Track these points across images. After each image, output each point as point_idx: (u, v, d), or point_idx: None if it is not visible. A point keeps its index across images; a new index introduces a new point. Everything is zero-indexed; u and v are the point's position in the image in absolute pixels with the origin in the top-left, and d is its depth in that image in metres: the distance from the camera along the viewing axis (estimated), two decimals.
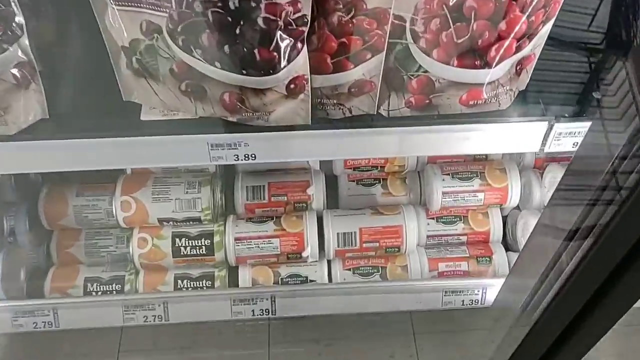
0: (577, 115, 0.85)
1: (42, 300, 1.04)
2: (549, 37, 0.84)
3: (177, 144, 0.83)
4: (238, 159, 0.85)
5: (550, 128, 0.85)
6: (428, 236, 1.20)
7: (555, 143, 0.86)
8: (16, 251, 1.11)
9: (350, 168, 1.23)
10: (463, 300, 1.08)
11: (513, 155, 1.25)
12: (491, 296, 1.06)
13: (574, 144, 0.86)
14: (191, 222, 1.08)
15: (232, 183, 1.15)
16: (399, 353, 1.46)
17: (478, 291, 1.06)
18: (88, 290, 1.10)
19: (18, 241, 1.09)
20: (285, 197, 1.14)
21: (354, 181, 1.24)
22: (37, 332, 1.09)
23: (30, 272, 1.13)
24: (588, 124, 0.84)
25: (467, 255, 1.18)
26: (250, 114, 0.80)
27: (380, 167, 1.23)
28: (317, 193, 1.15)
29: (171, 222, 1.08)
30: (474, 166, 1.18)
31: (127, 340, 1.43)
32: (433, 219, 1.21)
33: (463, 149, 0.88)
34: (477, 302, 1.08)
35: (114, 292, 1.09)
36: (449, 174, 1.17)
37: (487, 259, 1.17)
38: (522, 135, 0.86)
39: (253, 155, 0.84)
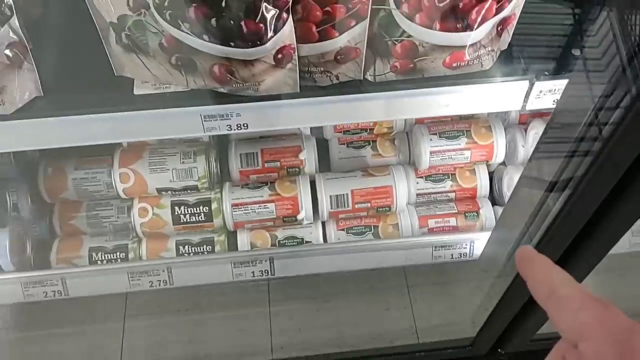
0: (557, 73, 0.86)
1: (51, 270, 1.05)
2: None
3: (171, 117, 0.82)
4: (231, 129, 0.85)
5: (532, 86, 0.85)
6: (417, 194, 1.21)
7: (537, 101, 0.87)
8: (20, 225, 1.12)
9: (340, 132, 1.23)
10: (452, 254, 1.10)
11: (498, 113, 1.25)
12: (479, 249, 1.08)
13: (554, 101, 0.87)
14: (189, 191, 1.09)
15: (226, 151, 1.15)
16: (393, 306, 1.49)
17: (466, 245, 1.08)
18: (93, 259, 1.12)
19: (22, 216, 1.10)
20: (279, 163, 1.14)
21: (344, 144, 1.25)
22: (46, 300, 1.11)
23: (36, 245, 1.14)
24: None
25: (456, 211, 1.20)
26: (241, 84, 0.80)
27: (370, 129, 1.24)
28: (308, 158, 1.15)
29: (170, 192, 1.08)
30: (460, 125, 1.19)
31: (133, 304, 1.45)
32: (422, 177, 1.22)
33: (448, 111, 0.88)
34: (466, 255, 1.10)
35: (119, 260, 1.11)
36: (436, 134, 1.18)
37: (475, 214, 1.19)
38: (504, 95, 0.86)
39: (245, 125, 0.84)
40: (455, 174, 1.21)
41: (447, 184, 1.21)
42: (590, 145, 0.62)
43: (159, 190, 1.08)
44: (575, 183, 0.68)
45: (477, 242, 1.08)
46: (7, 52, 0.76)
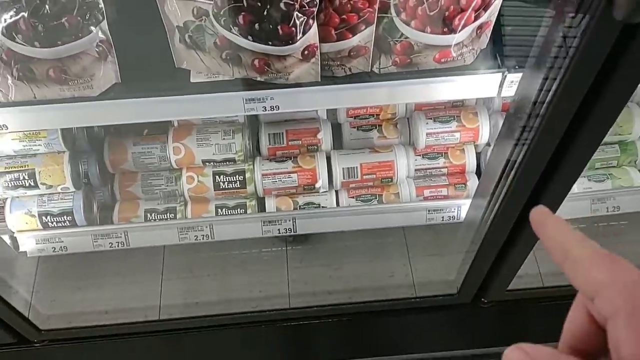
0: (523, 67, 1.04)
1: (116, 225, 1.26)
2: None
3: (219, 100, 1.02)
4: (265, 110, 1.04)
5: (504, 77, 1.04)
6: (415, 169, 1.40)
7: (508, 89, 1.05)
8: (90, 190, 1.33)
9: (352, 117, 1.42)
10: (443, 217, 1.29)
11: (485, 101, 1.45)
12: (464, 212, 1.28)
13: None
14: (227, 162, 1.29)
15: (257, 131, 1.35)
16: (397, 272, 1.67)
17: (454, 209, 1.28)
18: (148, 219, 1.32)
19: (91, 182, 1.31)
20: (300, 141, 1.34)
21: (355, 127, 1.44)
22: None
23: (101, 206, 1.36)
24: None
25: (447, 183, 1.39)
26: (274, 74, 1.00)
27: (376, 115, 1.43)
28: (325, 137, 1.35)
29: (212, 163, 1.29)
30: (451, 111, 1.38)
31: (168, 268, 1.64)
32: (420, 155, 1.41)
33: (438, 96, 1.08)
34: (454, 217, 1.29)
35: (169, 219, 1.32)
36: (431, 118, 1.37)
37: (463, 185, 1.39)
38: (482, 84, 1.05)
39: (277, 107, 1.04)
40: (447, 152, 1.41)
41: (441, 161, 1.41)
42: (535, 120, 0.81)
43: (204, 162, 1.28)
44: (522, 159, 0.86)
45: (463, 207, 1.28)
46: (97, 48, 0.97)
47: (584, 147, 0.79)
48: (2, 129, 1.03)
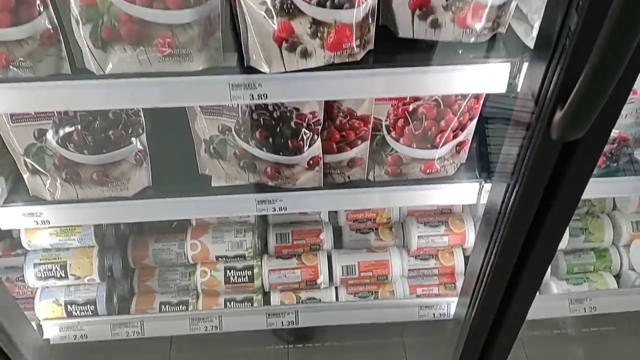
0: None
1: (132, 315, 1.34)
2: (491, 118, 1.18)
3: (235, 200, 1.14)
4: (275, 210, 1.17)
5: (481, 187, 1.18)
6: (409, 269, 1.50)
7: (485, 197, 1.19)
8: (112, 282, 1.43)
9: (351, 220, 1.55)
10: (434, 314, 1.37)
11: (471, 208, 1.57)
12: (454, 309, 1.36)
13: None
14: (238, 258, 1.40)
15: (266, 231, 1.48)
16: None
17: (444, 306, 1.36)
18: (162, 310, 1.41)
19: (114, 275, 1.42)
20: (304, 241, 1.46)
21: (354, 230, 1.56)
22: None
23: (120, 298, 1.45)
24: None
25: (438, 282, 1.49)
26: (284, 180, 1.14)
27: (373, 219, 1.56)
28: (326, 238, 1.47)
29: (224, 258, 1.40)
30: (440, 217, 1.51)
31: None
32: (413, 256, 1.52)
33: (424, 202, 1.21)
34: (444, 314, 1.37)
35: (181, 310, 1.41)
36: (422, 223, 1.49)
37: (452, 285, 1.48)
38: (463, 192, 1.18)
39: (285, 208, 1.16)
40: (438, 254, 1.52)
41: (432, 262, 1.51)
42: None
43: (217, 257, 1.39)
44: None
45: (452, 305, 1.37)
46: (135, 156, 1.12)
47: (545, 247, 0.90)
48: (45, 224, 1.15)
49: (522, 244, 0.90)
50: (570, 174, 0.78)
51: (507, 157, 0.85)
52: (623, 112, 1.10)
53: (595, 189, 1.17)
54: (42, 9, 0.82)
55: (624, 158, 1.20)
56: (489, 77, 0.95)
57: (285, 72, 0.88)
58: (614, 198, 1.57)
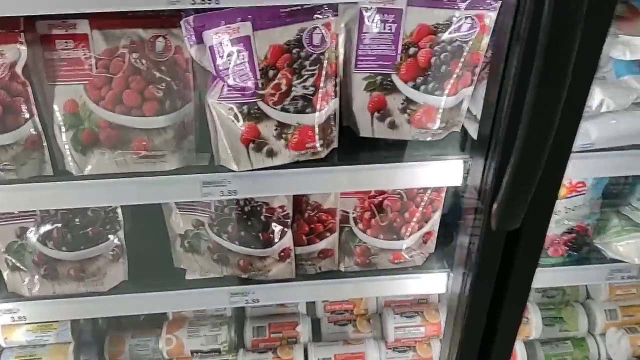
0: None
1: None
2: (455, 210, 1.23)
3: (208, 294, 1.15)
4: (247, 302, 1.18)
5: (449, 277, 1.21)
6: None
7: None
8: None
9: (329, 312, 1.56)
10: None
11: (446, 300, 1.58)
12: None
13: None
14: (213, 353, 1.39)
15: (243, 324, 1.47)
16: None
17: None
18: None
19: None
20: (281, 334, 1.45)
21: (332, 322, 1.55)
22: None
23: None
24: None
25: None
26: (256, 272, 1.16)
27: (351, 311, 1.57)
28: (303, 330, 1.46)
29: (199, 353, 1.38)
30: (416, 307, 1.52)
31: None
32: (391, 349, 1.51)
33: (395, 292, 1.24)
34: None
35: None
36: (399, 314, 1.50)
37: None
38: (431, 282, 1.20)
39: (257, 300, 1.18)
40: (415, 346, 1.51)
41: (410, 354, 1.50)
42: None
43: (192, 352, 1.37)
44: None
45: None
46: (112, 252, 1.15)
47: (506, 335, 0.92)
48: (21, 320, 1.16)
49: (484, 331, 0.93)
50: (517, 262, 0.82)
51: (461, 247, 0.89)
52: (577, 202, 1.17)
53: (558, 277, 1.21)
54: (28, 116, 0.89)
55: (585, 247, 1.24)
56: (444, 172, 1.01)
57: (253, 169, 0.94)
58: (586, 286, 1.60)
